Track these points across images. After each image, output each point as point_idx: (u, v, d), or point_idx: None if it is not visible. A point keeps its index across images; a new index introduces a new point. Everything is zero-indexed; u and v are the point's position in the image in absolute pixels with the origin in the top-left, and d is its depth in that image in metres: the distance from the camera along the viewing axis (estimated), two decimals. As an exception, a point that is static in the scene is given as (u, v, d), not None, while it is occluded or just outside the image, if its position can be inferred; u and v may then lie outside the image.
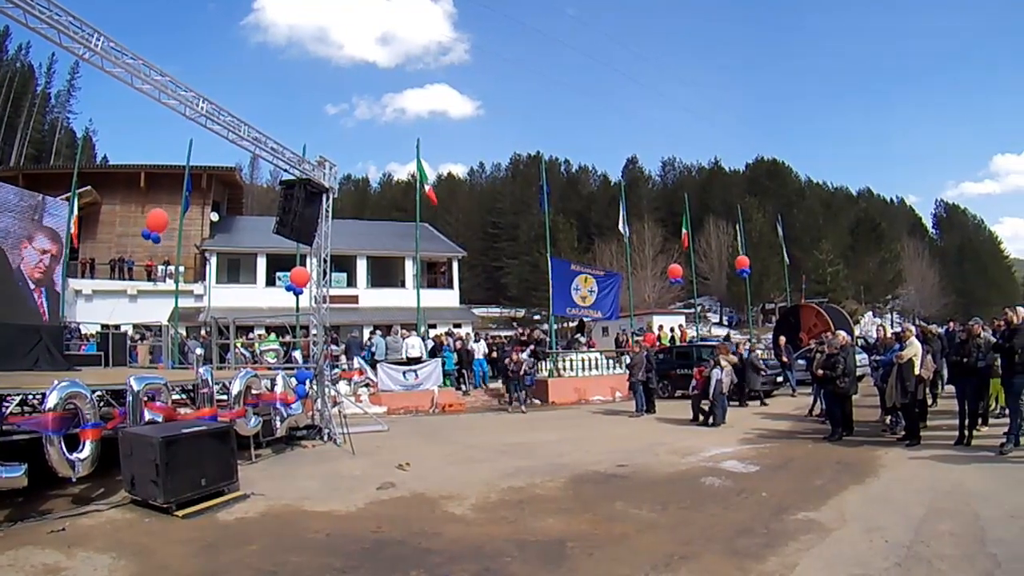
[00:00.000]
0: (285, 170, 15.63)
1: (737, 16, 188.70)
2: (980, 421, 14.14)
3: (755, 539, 8.07)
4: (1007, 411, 12.93)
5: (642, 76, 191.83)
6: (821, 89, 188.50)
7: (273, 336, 28.76)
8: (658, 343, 31.96)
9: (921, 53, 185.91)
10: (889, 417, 15.69)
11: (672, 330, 36.73)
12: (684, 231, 39.62)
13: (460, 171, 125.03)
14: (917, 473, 11.43)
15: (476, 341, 28.58)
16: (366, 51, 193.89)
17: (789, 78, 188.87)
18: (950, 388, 16.49)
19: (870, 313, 78.34)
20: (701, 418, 18.55)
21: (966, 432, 13.32)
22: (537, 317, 67.93)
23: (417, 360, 25.07)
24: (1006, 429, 12.61)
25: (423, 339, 26.98)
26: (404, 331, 27.39)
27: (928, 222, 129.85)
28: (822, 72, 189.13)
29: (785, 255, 47.73)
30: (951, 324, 26.10)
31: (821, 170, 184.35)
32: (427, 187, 31.20)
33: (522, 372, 23.02)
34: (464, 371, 27.21)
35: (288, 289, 24.26)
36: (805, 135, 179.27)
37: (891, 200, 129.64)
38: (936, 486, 10.30)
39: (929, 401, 16.63)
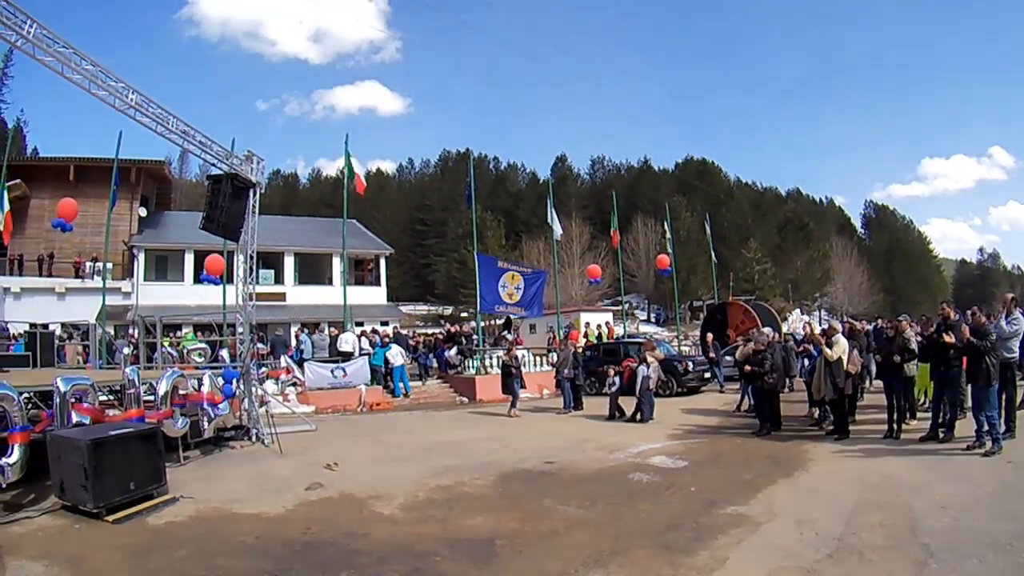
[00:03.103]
0: (213, 164, 15.32)
1: (669, 16, 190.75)
2: (908, 415, 14.54)
3: (685, 533, 8.13)
4: (945, 404, 13.15)
5: (574, 75, 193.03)
6: (752, 91, 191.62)
7: (191, 335, 28.45)
8: (585, 339, 32.11)
9: (852, 58, 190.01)
10: (817, 411, 15.97)
11: (599, 327, 36.82)
12: (613, 229, 39.76)
13: (389, 168, 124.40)
14: (846, 466, 11.62)
15: (387, 348, 27.73)
16: (298, 48, 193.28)
17: (721, 80, 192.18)
18: (878, 383, 16.87)
19: (798, 310, 79.31)
20: (617, 414, 18.82)
21: (895, 426, 13.67)
22: (465, 314, 67.84)
23: (347, 356, 25.02)
24: (941, 421, 13.02)
25: (357, 336, 26.80)
26: (333, 329, 27.23)
27: (857, 222, 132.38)
28: (754, 74, 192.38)
29: (713, 253, 48.15)
30: (879, 321, 26.61)
31: (751, 171, 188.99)
32: (357, 175, 30.87)
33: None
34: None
35: (204, 280, 23.94)
36: (736, 136, 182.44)
37: (820, 200, 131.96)
38: (866, 478, 10.46)
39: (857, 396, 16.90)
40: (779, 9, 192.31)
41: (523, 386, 21.70)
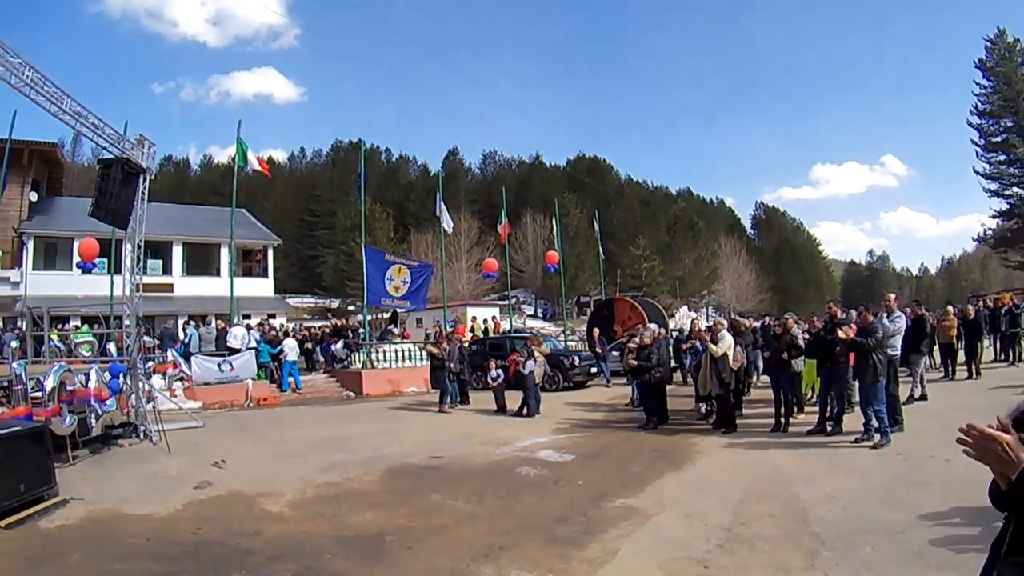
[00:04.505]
0: (104, 148, 14.95)
1: (567, 14, 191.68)
2: (796, 409, 14.99)
3: (574, 527, 8.34)
4: (833, 398, 13.69)
5: (469, 68, 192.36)
6: (648, 92, 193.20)
7: (86, 327, 27.95)
8: (471, 334, 32.34)
9: (746, 62, 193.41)
10: (704, 406, 16.31)
11: (486, 322, 37.04)
12: (501, 224, 40.11)
13: (281, 157, 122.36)
14: (734, 459, 11.98)
15: (284, 339, 27.91)
16: (198, 30, 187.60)
17: (616, 80, 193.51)
18: (765, 379, 17.56)
19: (685, 307, 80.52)
20: (508, 408, 19.16)
21: (782, 420, 14.14)
22: (352, 307, 67.51)
23: (236, 351, 24.89)
24: (828, 415, 13.50)
25: (246, 330, 26.80)
26: (219, 321, 27.07)
27: (747, 223, 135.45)
28: (649, 75, 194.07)
29: (601, 250, 48.88)
30: (766, 319, 27.44)
31: (642, 170, 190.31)
32: (257, 160, 30.51)
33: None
34: (277, 365, 26.75)
35: (79, 267, 23.48)
36: (628, 136, 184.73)
37: (710, 200, 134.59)
38: (753, 471, 10.84)
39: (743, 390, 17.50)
40: (676, 12, 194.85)
41: (451, 380, 21.23)
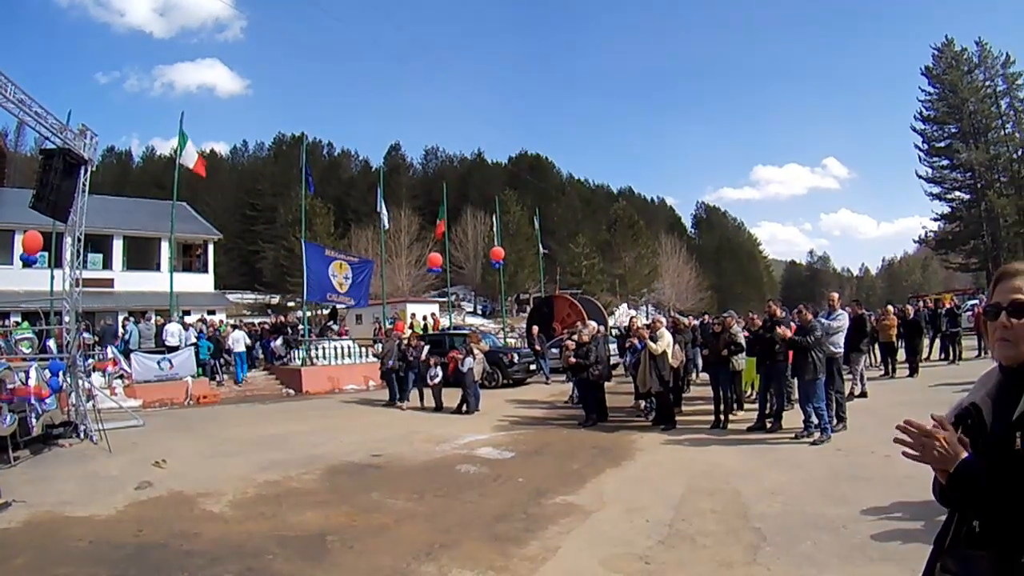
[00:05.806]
0: (47, 137, 14.67)
1: (514, 12, 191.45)
2: (736, 406, 15.32)
3: (515, 524, 8.44)
4: (773, 395, 14.01)
5: (415, 63, 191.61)
6: (591, 91, 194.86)
7: (26, 324, 27.66)
8: (411, 330, 32.43)
9: (689, 63, 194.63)
10: (643, 403, 16.46)
11: (425, 318, 37.15)
12: (439, 220, 40.27)
13: (223, 149, 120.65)
14: (674, 455, 12.14)
15: (235, 331, 28.09)
16: (144, 19, 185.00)
17: (560, 77, 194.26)
18: (704, 376, 17.97)
19: (625, 305, 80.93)
20: (445, 406, 19.26)
21: (722, 416, 14.42)
22: (292, 304, 67.09)
23: (175, 348, 24.74)
24: (768, 412, 13.90)
25: (185, 328, 26.66)
26: (159, 318, 26.97)
27: (688, 222, 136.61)
28: (592, 74, 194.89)
29: (541, 247, 49.12)
30: (706, 317, 27.85)
31: (584, 168, 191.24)
32: (199, 156, 30.36)
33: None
34: (216, 362, 26.80)
35: (22, 259, 23.30)
36: (571, 134, 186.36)
37: (651, 200, 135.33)
38: (694, 467, 10.97)
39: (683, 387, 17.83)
40: (619, 11, 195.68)
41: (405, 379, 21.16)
